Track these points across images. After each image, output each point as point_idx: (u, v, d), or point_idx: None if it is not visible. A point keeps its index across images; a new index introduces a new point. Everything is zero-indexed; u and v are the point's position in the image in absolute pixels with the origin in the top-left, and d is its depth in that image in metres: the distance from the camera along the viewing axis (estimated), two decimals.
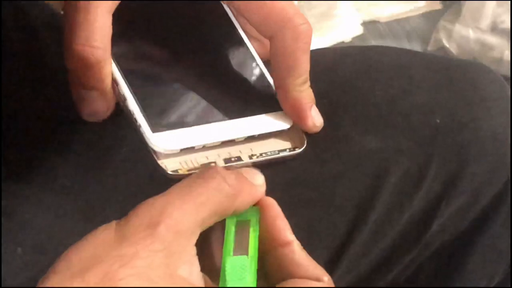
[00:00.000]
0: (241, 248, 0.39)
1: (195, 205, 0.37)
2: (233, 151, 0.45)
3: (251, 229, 0.40)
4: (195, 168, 0.43)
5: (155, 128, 0.42)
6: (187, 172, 0.42)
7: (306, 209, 0.51)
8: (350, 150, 0.52)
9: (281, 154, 0.46)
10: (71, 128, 0.50)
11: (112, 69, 0.43)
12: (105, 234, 0.35)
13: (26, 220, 0.48)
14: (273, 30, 0.45)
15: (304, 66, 0.46)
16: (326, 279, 0.41)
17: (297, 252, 0.41)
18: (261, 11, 0.45)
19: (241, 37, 0.49)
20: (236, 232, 0.40)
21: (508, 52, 1.32)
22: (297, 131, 0.48)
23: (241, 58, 0.48)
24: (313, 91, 0.52)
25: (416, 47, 1.40)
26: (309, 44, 0.46)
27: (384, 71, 0.55)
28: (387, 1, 1.44)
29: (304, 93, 0.47)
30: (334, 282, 0.50)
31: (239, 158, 0.45)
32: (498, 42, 1.34)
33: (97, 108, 0.44)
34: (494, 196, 0.54)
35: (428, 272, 0.55)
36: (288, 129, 0.47)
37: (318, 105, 0.52)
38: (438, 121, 0.53)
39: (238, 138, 0.45)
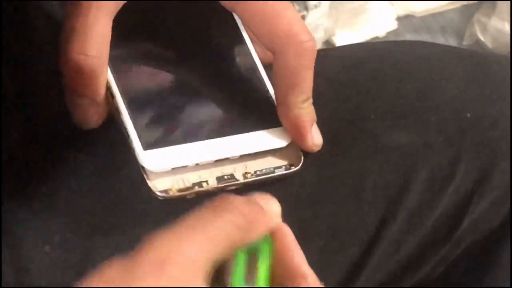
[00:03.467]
0: (251, 279, 0.38)
1: (207, 241, 0.35)
2: (226, 169, 0.44)
3: (260, 259, 0.38)
4: (187, 188, 0.42)
5: (146, 145, 0.41)
6: (177, 194, 0.41)
7: (335, 205, 0.51)
8: (378, 145, 0.52)
9: (277, 172, 0.45)
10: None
11: (108, 79, 0.42)
12: (113, 269, 0.34)
13: (51, 218, 0.49)
14: (277, 45, 0.44)
15: (307, 83, 0.45)
16: None
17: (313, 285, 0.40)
18: (266, 24, 0.44)
19: (248, 50, 0.47)
20: (247, 262, 0.38)
21: None
22: (294, 149, 0.47)
23: (245, 72, 0.47)
24: (341, 82, 0.52)
25: (451, 41, 1.40)
26: (313, 61, 0.45)
27: (414, 65, 0.55)
28: None
29: (305, 111, 0.46)
30: (364, 279, 0.53)
31: (232, 176, 0.43)
32: None
33: (89, 116, 0.43)
34: None
35: (460, 269, 0.55)
36: (286, 146, 0.46)
37: (345, 96, 0.52)
38: (468, 115, 0.53)
39: (232, 157, 0.44)
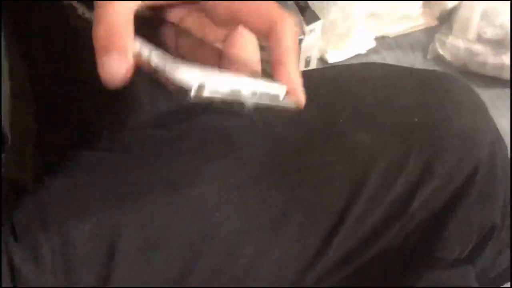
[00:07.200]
0: None
1: None
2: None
3: None
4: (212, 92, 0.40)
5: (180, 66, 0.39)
6: (207, 95, 0.39)
7: (309, 190, 0.54)
8: (345, 143, 0.55)
9: (281, 102, 0.43)
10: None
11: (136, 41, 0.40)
12: None
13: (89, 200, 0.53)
14: (272, 22, 0.42)
15: (297, 50, 0.43)
16: None
17: None
18: (261, 13, 0.42)
19: None
20: None
21: (491, 58, 1.35)
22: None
23: None
24: (318, 95, 0.55)
25: (418, 55, 1.43)
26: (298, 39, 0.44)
27: (375, 82, 0.59)
28: (394, 20, 1.46)
29: (297, 73, 0.43)
30: (336, 246, 0.54)
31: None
32: (482, 50, 1.38)
33: (116, 69, 0.38)
34: (464, 180, 0.58)
35: (415, 239, 0.59)
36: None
37: (320, 105, 0.55)
38: (416, 120, 0.56)
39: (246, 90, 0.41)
